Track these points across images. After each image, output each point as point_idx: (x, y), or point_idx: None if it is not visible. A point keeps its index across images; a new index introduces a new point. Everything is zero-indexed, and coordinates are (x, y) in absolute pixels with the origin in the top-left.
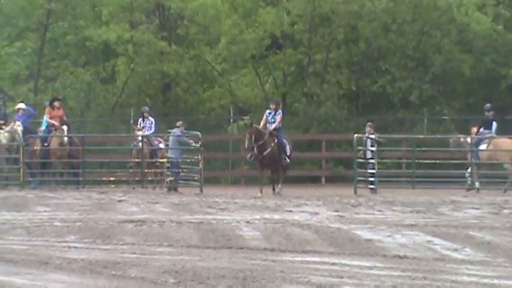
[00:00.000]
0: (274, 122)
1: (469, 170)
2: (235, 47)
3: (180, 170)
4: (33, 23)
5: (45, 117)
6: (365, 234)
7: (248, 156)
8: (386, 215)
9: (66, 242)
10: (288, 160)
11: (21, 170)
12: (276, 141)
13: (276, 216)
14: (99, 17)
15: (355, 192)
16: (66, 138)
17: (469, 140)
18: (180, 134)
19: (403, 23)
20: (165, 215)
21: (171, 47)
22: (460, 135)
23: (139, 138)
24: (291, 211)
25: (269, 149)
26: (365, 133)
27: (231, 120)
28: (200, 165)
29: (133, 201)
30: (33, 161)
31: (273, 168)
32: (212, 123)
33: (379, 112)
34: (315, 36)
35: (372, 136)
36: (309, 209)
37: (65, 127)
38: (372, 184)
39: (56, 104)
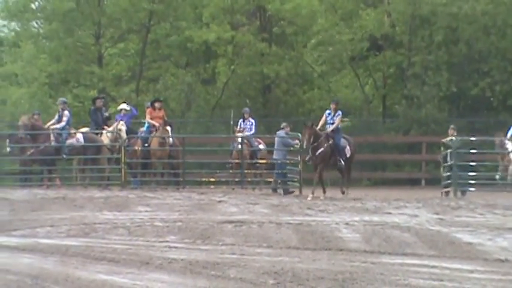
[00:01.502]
0: (333, 123)
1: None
2: (331, 48)
3: (283, 171)
4: (135, 24)
5: (146, 118)
6: (466, 237)
7: (307, 158)
8: (488, 218)
9: (167, 242)
10: (343, 163)
11: (123, 170)
12: (330, 142)
13: (376, 218)
14: (200, 19)
15: (455, 194)
16: (171, 139)
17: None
18: (284, 135)
19: (504, 25)
20: (265, 216)
21: (271, 48)
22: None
23: (240, 139)
24: (390, 213)
25: (322, 149)
26: (448, 136)
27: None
28: (299, 167)
29: (233, 202)
30: (133, 161)
31: (323, 168)
32: None
33: (480, 114)
34: (415, 38)
35: (454, 138)
36: (408, 211)
37: (168, 128)
38: (470, 186)
39: (157, 104)
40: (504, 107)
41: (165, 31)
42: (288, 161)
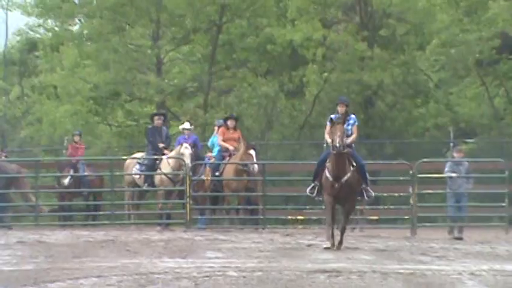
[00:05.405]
0: (348, 135)
1: None
2: (453, 50)
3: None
4: (203, 22)
5: (217, 140)
6: None
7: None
8: None
9: None
10: (373, 194)
11: (188, 206)
12: (354, 165)
13: (509, 267)
14: (285, 15)
15: None
16: (256, 166)
17: None
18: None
19: None
20: (367, 263)
21: (373, 51)
22: None
23: None
24: None
25: (349, 174)
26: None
27: (451, 144)
28: (412, 201)
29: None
30: (201, 194)
31: (349, 204)
32: (426, 147)
33: None
34: None
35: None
36: None
37: (252, 152)
38: None
39: (230, 123)
40: None
41: (240, 30)
42: (395, 195)
